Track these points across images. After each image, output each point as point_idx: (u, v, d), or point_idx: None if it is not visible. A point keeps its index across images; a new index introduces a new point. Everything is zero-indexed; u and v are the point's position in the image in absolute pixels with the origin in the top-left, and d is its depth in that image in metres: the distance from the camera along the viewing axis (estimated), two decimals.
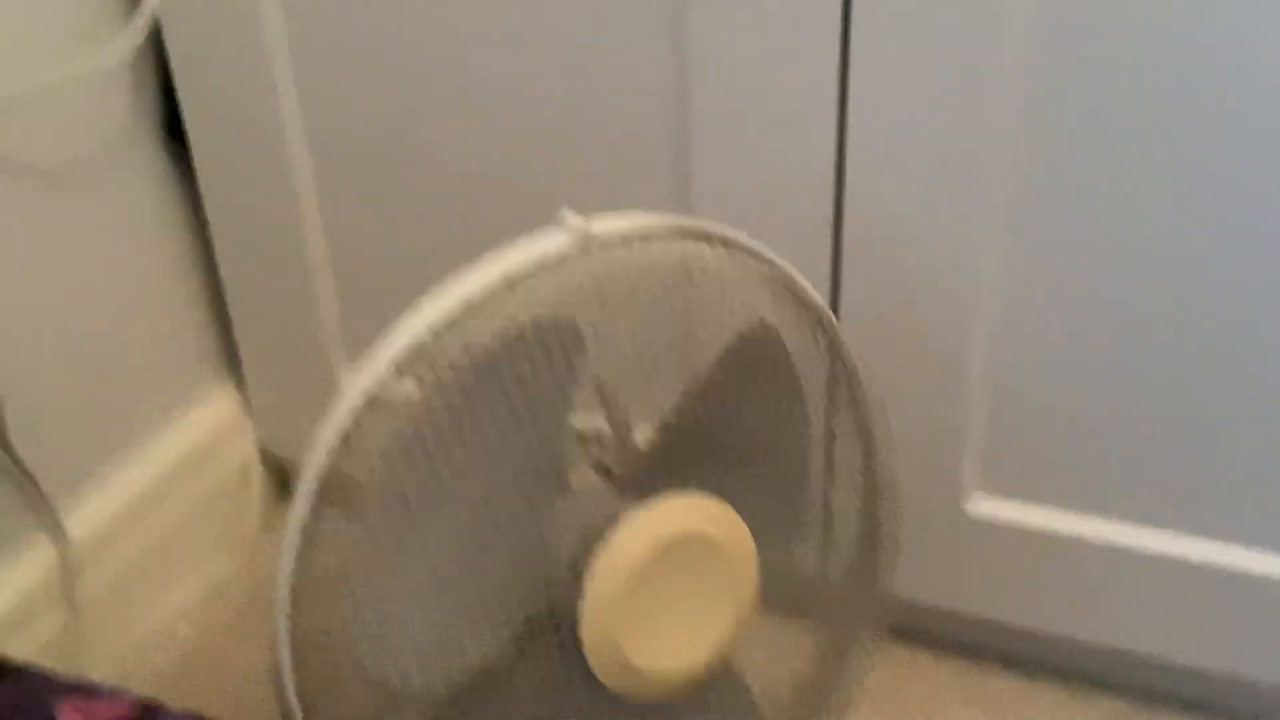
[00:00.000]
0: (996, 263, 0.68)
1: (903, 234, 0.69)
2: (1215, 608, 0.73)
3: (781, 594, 0.60)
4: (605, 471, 0.59)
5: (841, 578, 0.63)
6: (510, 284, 0.52)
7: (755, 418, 0.58)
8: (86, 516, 0.83)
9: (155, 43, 0.82)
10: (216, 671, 0.86)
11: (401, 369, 0.51)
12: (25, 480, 0.78)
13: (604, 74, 0.72)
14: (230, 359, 0.94)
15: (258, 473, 0.96)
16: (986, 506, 0.75)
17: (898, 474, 0.63)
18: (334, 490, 0.51)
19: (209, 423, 0.92)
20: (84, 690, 0.49)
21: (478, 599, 0.52)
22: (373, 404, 0.52)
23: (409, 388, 0.51)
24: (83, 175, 0.80)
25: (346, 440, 0.52)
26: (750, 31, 0.67)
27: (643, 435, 0.59)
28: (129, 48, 0.78)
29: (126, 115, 0.82)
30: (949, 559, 0.77)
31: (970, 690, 0.79)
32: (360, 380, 0.52)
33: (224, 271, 0.88)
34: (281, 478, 0.99)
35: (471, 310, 0.52)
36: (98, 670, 0.84)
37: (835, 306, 0.72)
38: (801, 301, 0.60)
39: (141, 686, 0.84)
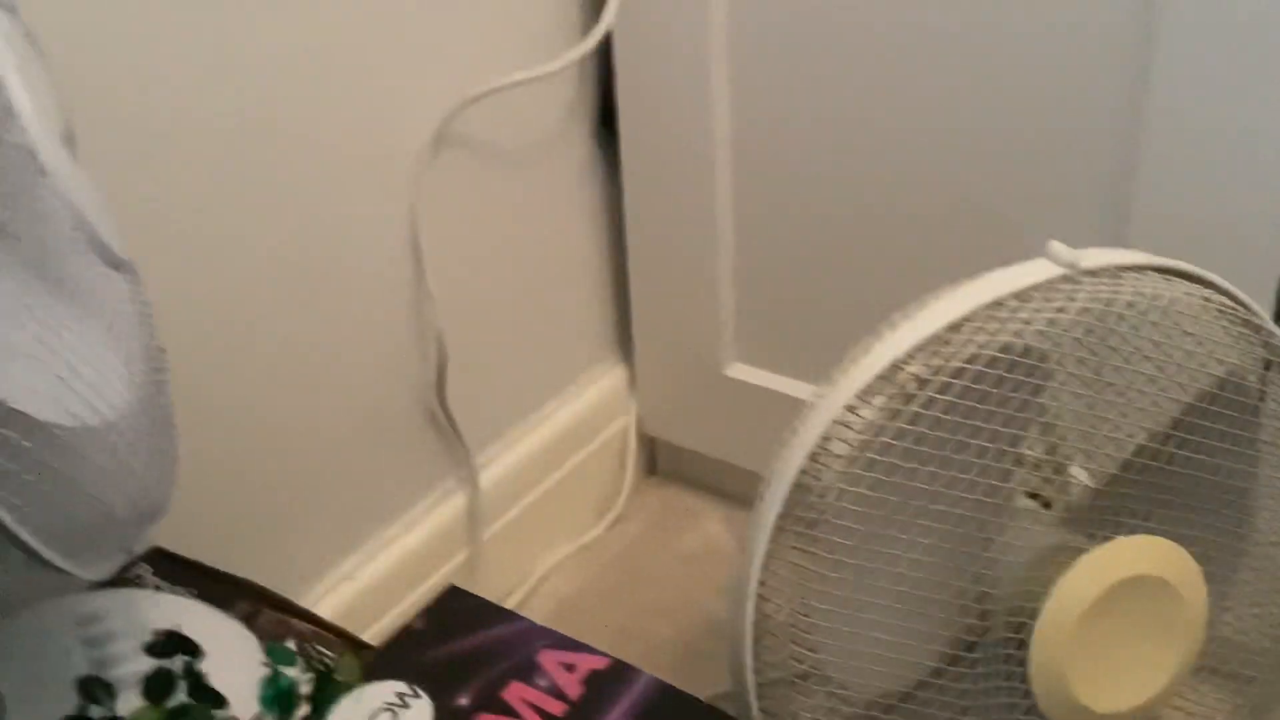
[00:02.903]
0: None
1: None
2: None
3: (1213, 648, 0.59)
4: (1040, 501, 0.60)
5: (1271, 639, 0.61)
6: (995, 309, 0.53)
7: (1215, 466, 0.57)
8: (492, 468, 0.90)
9: (602, 45, 0.88)
10: (586, 626, 0.91)
11: (876, 386, 0.54)
12: (452, 432, 0.85)
13: (1051, 108, 0.72)
14: (623, 339, 0.99)
15: (632, 447, 1.01)
16: None
17: None
18: (800, 500, 0.54)
19: (597, 396, 0.98)
20: (565, 643, 0.54)
21: (927, 610, 0.54)
22: (844, 419, 0.54)
23: (882, 406, 0.53)
24: (527, 159, 0.87)
25: (816, 453, 0.54)
26: (1213, 78, 0.66)
27: (1083, 469, 0.59)
28: (585, 52, 0.84)
29: (571, 108, 0.89)
30: None
31: None
32: (838, 394, 0.54)
33: (632, 258, 0.94)
34: (651, 455, 1.04)
35: (954, 332, 0.53)
36: None
37: None
38: (1273, 352, 0.58)
39: None
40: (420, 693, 0.52)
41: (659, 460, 1.04)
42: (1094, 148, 0.72)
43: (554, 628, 0.92)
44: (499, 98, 0.81)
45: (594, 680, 0.52)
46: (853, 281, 0.85)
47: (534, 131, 0.86)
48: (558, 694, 0.51)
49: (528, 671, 0.52)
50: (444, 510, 0.87)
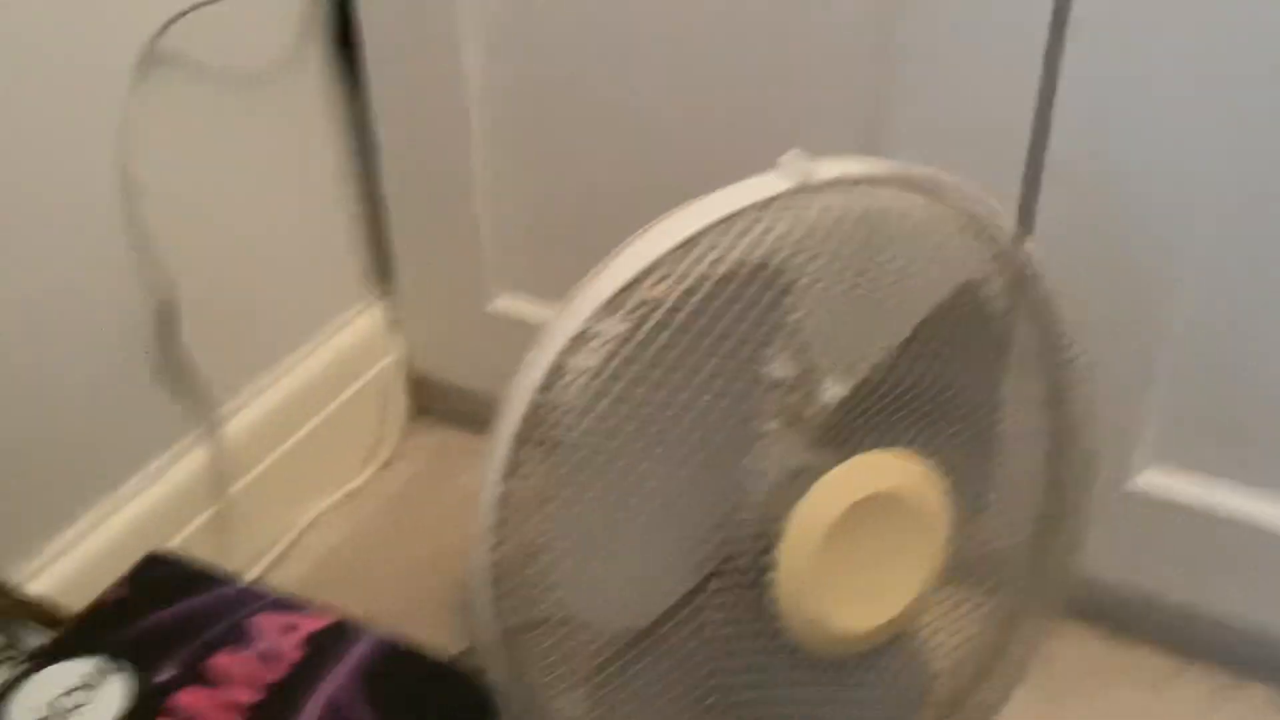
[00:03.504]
0: (1211, 213, 0.65)
1: (1108, 184, 0.66)
2: None
3: (961, 559, 0.59)
4: (793, 421, 0.58)
5: (1023, 546, 0.61)
6: (728, 224, 0.51)
7: (956, 377, 0.56)
8: (240, 417, 0.84)
9: None
10: (352, 579, 0.87)
11: (612, 305, 0.50)
12: (191, 379, 0.79)
13: (804, 17, 0.70)
14: (381, 274, 0.94)
15: (398, 387, 0.96)
16: (1156, 478, 0.73)
17: (1096, 442, 0.61)
18: (537, 424, 0.51)
19: (356, 335, 0.93)
20: (284, 603, 0.49)
21: (671, 538, 0.52)
22: (581, 340, 0.51)
23: (619, 326, 0.50)
24: (256, 81, 0.80)
25: (553, 375, 0.51)
26: None
27: (834, 388, 0.57)
28: None
29: (301, 24, 0.82)
30: (1110, 529, 0.75)
31: (1123, 665, 0.77)
32: (572, 315, 0.51)
33: (387, 188, 0.88)
34: (418, 394, 0.99)
35: (687, 249, 0.50)
36: (238, 567, 0.85)
37: None
38: (1011, 260, 0.57)
39: (280, 587, 0.85)
40: (114, 669, 0.46)
41: (429, 400, 0.99)
42: (849, 53, 0.70)
43: (315, 584, 0.87)
44: (215, 13, 0.73)
45: (315, 641, 0.48)
46: (615, 203, 0.82)
47: (262, 51, 0.79)
48: (274, 659, 0.47)
49: (240, 638, 0.47)
50: (184, 467, 0.80)
